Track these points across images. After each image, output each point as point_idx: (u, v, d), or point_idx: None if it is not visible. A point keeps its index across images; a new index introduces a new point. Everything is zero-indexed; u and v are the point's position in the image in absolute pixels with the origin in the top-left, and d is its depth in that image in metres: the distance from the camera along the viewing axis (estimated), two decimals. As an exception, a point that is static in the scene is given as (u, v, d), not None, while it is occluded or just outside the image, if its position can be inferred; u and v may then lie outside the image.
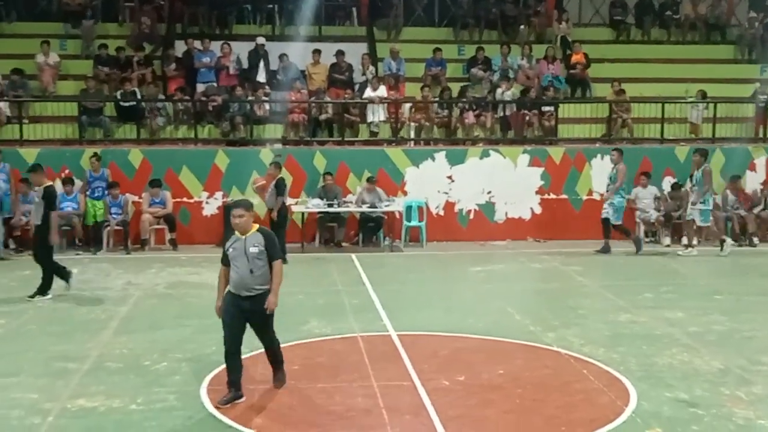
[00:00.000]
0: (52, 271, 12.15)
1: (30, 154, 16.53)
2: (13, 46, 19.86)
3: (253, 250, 7.47)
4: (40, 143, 17.13)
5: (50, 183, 12.69)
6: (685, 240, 16.27)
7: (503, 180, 17.56)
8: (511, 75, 19.70)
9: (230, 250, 7.57)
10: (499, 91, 18.99)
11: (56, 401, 7.71)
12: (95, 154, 16.53)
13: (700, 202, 15.65)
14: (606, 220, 16.11)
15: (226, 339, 7.52)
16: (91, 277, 13.64)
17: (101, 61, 19.10)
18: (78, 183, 16.43)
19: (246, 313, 7.52)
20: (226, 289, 7.63)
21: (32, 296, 11.96)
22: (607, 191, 16.22)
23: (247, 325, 7.65)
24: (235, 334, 7.53)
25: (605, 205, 16.14)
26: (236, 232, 7.61)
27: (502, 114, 18.89)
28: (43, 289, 12.04)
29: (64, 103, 18.18)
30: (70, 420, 7.29)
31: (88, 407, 7.59)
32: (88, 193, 16.43)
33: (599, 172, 17.35)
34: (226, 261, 7.62)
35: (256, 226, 7.67)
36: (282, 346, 8.09)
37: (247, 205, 7.72)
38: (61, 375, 8.50)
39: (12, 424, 7.18)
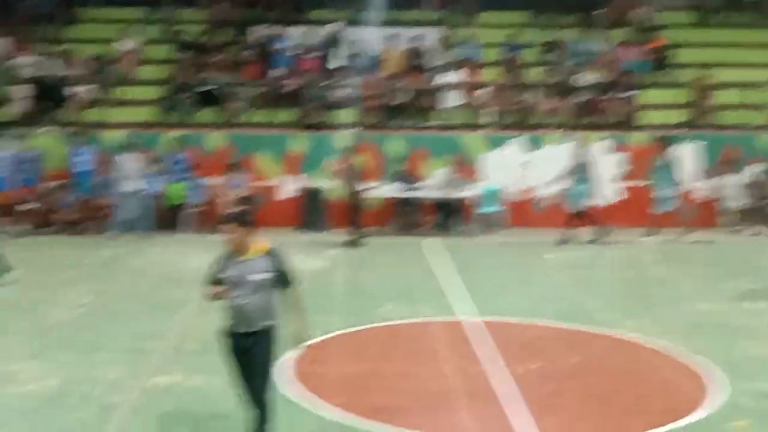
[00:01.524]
0: None
1: (113, 137, 16.99)
2: (95, 31, 20.37)
3: (258, 276, 5.90)
4: (123, 126, 17.56)
5: None
6: None
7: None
8: (590, 60, 19.34)
9: (227, 274, 5.96)
10: (577, 76, 18.67)
11: (138, 379, 7.92)
12: (176, 138, 16.85)
13: None
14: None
15: (242, 389, 6.05)
16: (171, 258, 13.96)
17: (181, 46, 19.43)
18: (159, 165, 16.80)
19: (247, 352, 5.97)
20: (226, 325, 6.10)
21: None
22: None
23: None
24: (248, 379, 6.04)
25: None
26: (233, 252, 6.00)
27: (580, 99, 18.56)
28: None
29: (146, 87, 18.57)
30: (152, 397, 7.48)
31: (168, 385, 7.78)
32: (168, 175, 16.78)
33: (680, 159, 16.92)
34: (214, 281, 6.04)
35: (264, 243, 6.04)
36: (359, 329, 8.12)
37: (242, 220, 5.97)
38: (143, 353, 8.72)
39: (95, 400, 7.39)
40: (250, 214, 6.04)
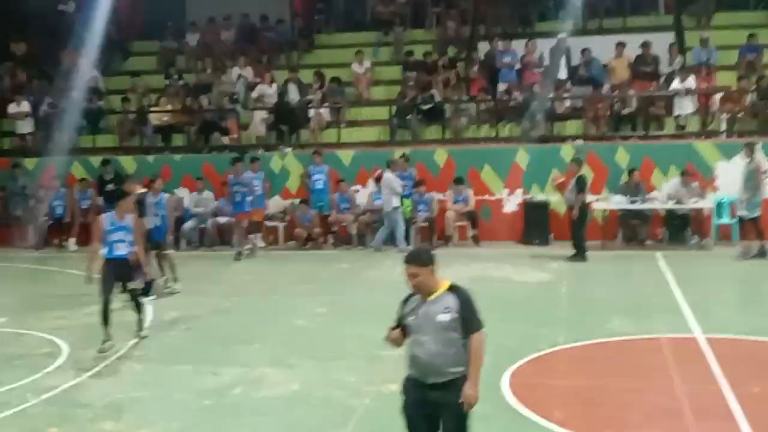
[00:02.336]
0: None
1: (346, 156, 17.98)
2: (332, 56, 21.62)
3: (442, 318, 5.30)
4: (354, 146, 18.50)
5: (143, 191, 13.00)
6: None
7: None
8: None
9: (409, 318, 5.45)
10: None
11: (372, 385, 8.35)
12: (404, 155, 17.52)
13: None
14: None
15: None
16: (402, 271, 14.48)
17: (409, 66, 20.17)
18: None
19: (436, 407, 5.34)
20: (405, 376, 5.54)
21: None
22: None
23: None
24: None
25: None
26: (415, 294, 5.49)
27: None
28: None
29: (377, 107, 19.45)
30: (384, 403, 7.84)
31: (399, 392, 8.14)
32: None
33: None
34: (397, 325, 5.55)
35: (446, 282, 5.46)
36: (584, 343, 8.09)
37: (424, 259, 5.45)
38: (376, 360, 9.18)
39: (334, 403, 7.93)
40: (431, 253, 5.55)
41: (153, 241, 12.42)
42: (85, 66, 20.88)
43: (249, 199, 16.30)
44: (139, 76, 21.44)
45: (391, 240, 16.59)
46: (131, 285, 10.23)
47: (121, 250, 9.98)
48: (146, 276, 11.68)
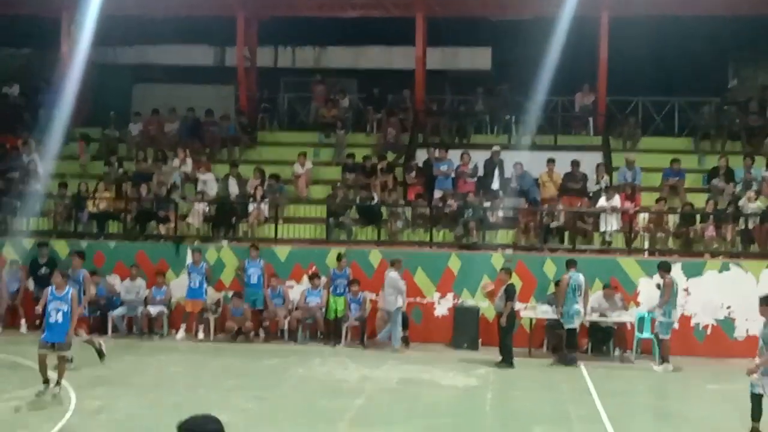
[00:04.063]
0: None
1: (282, 251, 18.17)
2: (274, 153, 22.05)
3: None
4: (291, 242, 18.73)
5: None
6: None
7: (744, 295, 16.70)
8: (755, 187, 18.98)
9: None
10: (741, 203, 18.36)
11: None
12: (341, 254, 17.79)
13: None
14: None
15: None
16: (331, 369, 14.59)
17: (348, 168, 20.68)
18: (322, 279, 17.69)
19: None
20: None
21: None
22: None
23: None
24: None
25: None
26: None
27: (744, 227, 18.18)
28: None
29: (314, 206, 19.79)
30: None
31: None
32: (331, 289, 17.63)
33: None
34: None
35: None
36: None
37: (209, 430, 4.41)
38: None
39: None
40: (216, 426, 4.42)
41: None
42: (24, 148, 20.91)
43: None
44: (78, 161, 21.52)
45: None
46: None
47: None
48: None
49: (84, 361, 14.20)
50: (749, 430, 10.57)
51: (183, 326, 17.53)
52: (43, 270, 17.53)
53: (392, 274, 16.69)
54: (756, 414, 10.62)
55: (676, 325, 15.99)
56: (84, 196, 19.84)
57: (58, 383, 11.59)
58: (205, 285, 17.68)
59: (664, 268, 15.87)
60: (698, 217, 18.39)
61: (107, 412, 11.16)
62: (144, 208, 19.67)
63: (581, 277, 15.89)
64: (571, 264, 16.05)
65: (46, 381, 11.49)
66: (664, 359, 15.35)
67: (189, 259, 17.99)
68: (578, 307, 15.76)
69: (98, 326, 17.18)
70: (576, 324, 15.78)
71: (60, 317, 11.73)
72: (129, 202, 19.77)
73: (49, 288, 12.14)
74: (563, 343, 15.99)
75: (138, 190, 19.88)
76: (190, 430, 4.35)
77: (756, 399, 10.62)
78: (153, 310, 17.52)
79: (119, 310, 17.57)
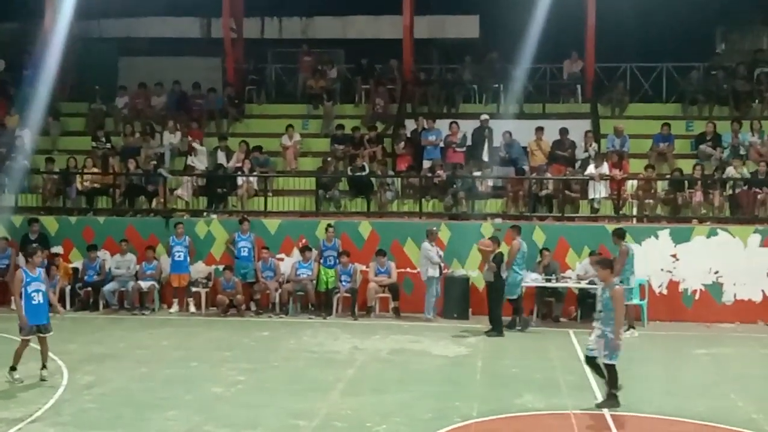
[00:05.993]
0: None
1: (272, 224, 18.18)
2: (262, 125, 21.98)
3: None
4: (280, 215, 18.73)
5: None
6: None
7: (732, 260, 16.93)
8: (742, 152, 19.04)
9: None
10: (729, 168, 18.43)
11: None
12: (329, 226, 17.82)
13: None
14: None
15: None
16: (322, 341, 14.68)
17: (337, 139, 20.63)
18: (313, 252, 17.72)
19: None
20: None
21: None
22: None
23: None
24: None
25: None
26: None
27: (731, 192, 18.26)
28: None
29: (303, 178, 19.77)
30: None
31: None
32: (321, 261, 17.67)
33: None
34: None
35: None
36: (494, 418, 8.34)
37: None
38: (292, 430, 9.29)
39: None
40: None
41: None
42: (10, 124, 20.76)
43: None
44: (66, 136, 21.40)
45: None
46: None
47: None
48: None
49: (77, 337, 14.32)
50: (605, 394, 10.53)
51: (175, 300, 17.57)
52: (34, 246, 17.43)
53: (425, 245, 16.82)
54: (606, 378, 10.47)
55: (635, 291, 16.04)
56: (73, 172, 19.73)
57: (44, 366, 11.46)
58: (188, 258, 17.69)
59: (618, 235, 15.78)
60: (686, 182, 18.46)
61: (99, 386, 11.22)
62: (133, 182, 19.61)
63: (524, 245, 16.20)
64: (516, 230, 16.33)
65: (14, 368, 11.27)
66: (630, 325, 15.30)
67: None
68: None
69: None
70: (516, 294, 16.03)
71: (41, 298, 11.47)
72: (117, 176, 19.70)
73: (21, 271, 11.73)
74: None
75: (126, 165, 19.81)
76: None
77: (591, 361, 10.58)
78: (144, 284, 17.53)
79: (110, 285, 17.58)
